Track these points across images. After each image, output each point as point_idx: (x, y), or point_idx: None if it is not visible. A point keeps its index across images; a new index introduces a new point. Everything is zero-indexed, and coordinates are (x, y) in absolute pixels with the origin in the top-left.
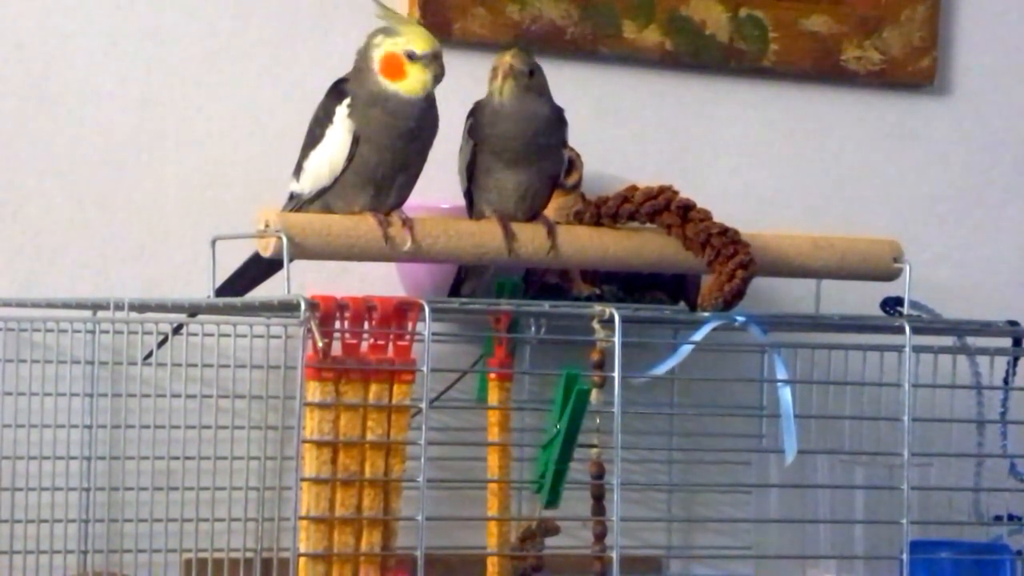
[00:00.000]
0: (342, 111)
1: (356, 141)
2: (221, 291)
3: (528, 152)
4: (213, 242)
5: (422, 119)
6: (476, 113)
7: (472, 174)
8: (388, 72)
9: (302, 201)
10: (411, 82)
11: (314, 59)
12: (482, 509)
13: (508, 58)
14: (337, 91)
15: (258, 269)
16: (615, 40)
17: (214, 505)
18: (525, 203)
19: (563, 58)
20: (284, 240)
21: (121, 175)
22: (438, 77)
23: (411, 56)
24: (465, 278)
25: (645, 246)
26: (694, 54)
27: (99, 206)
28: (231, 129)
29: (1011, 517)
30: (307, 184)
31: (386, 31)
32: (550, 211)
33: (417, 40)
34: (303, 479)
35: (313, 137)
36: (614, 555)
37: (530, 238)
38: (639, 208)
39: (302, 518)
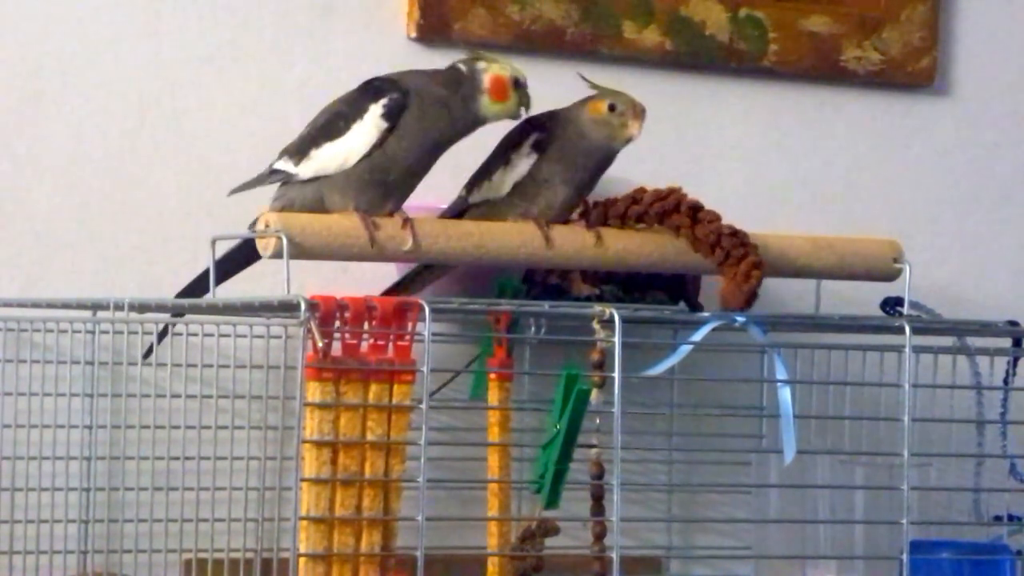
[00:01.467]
0: (376, 109)
1: (381, 143)
2: (194, 287)
3: (598, 173)
4: (213, 242)
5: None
6: (551, 128)
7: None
8: (494, 92)
9: (291, 180)
10: (510, 106)
11: (314, 59)
12: (482, 509)
13: (637, 99)
14: (373, 88)
15: (240, 258)
16: (615, 40)
17: (214, 505)
18: (564, 214)
19: (563, 58)
20: (284, 240)
21: (121, 175)
22: (528, 108)
23: (517, 83)
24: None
25: (648, 246)
26: (694, 54)
27: (99, 206)
28: (231, 129)
29: (1011, 517)
30: (309, 171)
31: (484, 56)
32: None
33: (519, 70)
34: (303, 479)
35: (335, 128)
36: (614, 555)
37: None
38: (648, 209)
39: (302, 518)
